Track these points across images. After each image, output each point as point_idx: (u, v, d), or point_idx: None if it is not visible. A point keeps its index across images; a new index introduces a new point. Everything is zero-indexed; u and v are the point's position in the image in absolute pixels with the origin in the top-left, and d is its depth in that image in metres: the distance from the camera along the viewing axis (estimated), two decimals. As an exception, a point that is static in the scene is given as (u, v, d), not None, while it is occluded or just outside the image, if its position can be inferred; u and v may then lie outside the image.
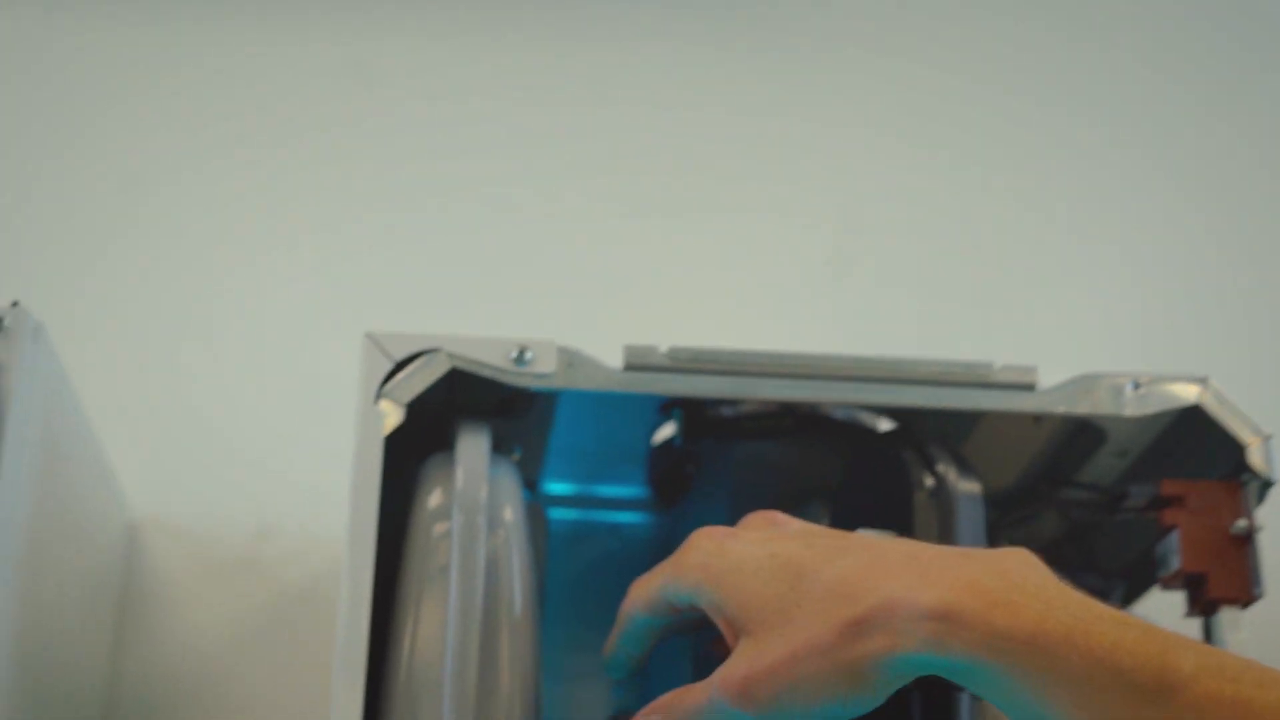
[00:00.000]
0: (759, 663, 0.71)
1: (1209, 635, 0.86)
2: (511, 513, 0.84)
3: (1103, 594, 0.92)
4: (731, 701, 0.72)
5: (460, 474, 0.82)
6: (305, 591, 1.08)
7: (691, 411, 0.92)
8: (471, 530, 0.81)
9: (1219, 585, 0.85)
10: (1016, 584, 0.68)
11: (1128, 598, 0.98)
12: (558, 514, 1.05)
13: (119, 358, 1.15)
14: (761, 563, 0.73)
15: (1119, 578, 0.95)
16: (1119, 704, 0.65)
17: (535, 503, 0.93)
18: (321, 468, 1.06)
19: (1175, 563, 0.86)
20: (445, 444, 0.85)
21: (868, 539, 0.74)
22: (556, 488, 1.05)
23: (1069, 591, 0.69)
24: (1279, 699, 0.64)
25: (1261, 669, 0.66)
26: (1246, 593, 0.85)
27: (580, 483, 1.05)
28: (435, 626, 0.80)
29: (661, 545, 1.02)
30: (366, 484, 0.80)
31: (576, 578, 1.06)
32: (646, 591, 0.80)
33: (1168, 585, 0.88)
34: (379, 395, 0.82)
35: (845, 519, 0.86)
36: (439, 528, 0.82)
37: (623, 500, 1.06)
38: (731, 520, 0.93)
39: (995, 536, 0.92)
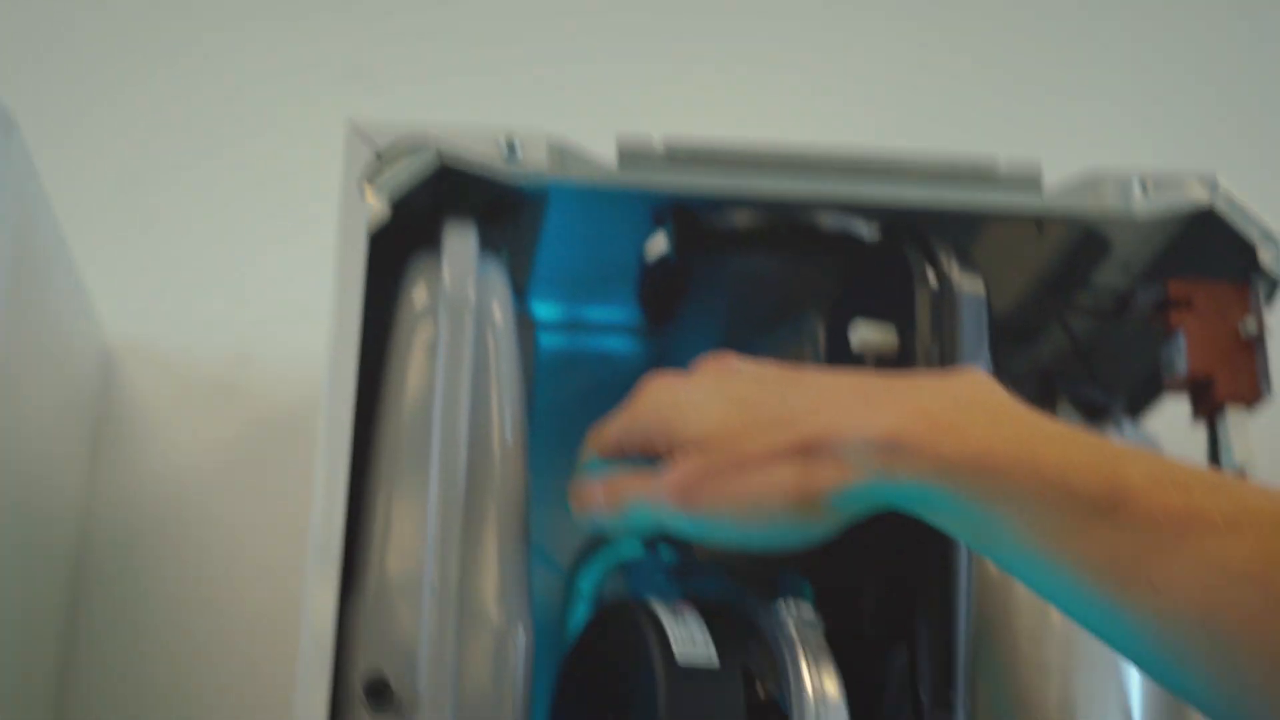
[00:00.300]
0: (705, 471, 0.71)
1: (1215, 439, 0.84)
2: (501, 313, 0.81)
3: (1106, 409, 0.90)
4: (674, 502, 0.72)
5: (447, 271, 0.79)
6: (286, 417, 1.06)
7: (684, 221, 0.89)
8: (459, 330, 0.78)
9: (1226, 386, 0.83)
10: (965, 408, 0.68)
11: (1132, 410, 0.96)
12: (546, 340, 1.02)
13: (93, 169, 1.12)
14: (713, 400, 0.74)
15: (1122, 392, 0.93)
16: (1070, 521, 0.64)
17: (524, 311, 0.90)
18: (305, 290, 1.03)
19: (1182, 365, 0.84)
20: (432, 244, 0.82)
21: (820, 375, 0.74)
22: (544, 311, 1.02)
23: (1021, 411, 0.69)
24: (1230, 505, 0.63)
25: (1215, 477, 0.65)
26: (1255, 394, 0.83)
27: (569, 304, 1.03)
28: (420, 429, 0.78)
29: (653, 367, 1.00)
30: (350, 280, 0.77)
31: (565, 406, 1.03)
32: (602, 438, 0.80)
33: (1173, 389, 0.86)
34: (363, 184, 0.79)
35: (841, 329, 0.83)
36: (424, 329, 0.80)
37: (612, 325, 1.03)
38: (725, 342, 0.91)
39: (998, 352, 0.90)
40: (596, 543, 0.92)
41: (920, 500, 0.68)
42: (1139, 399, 0.97)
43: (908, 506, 0.69)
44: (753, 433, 0.71)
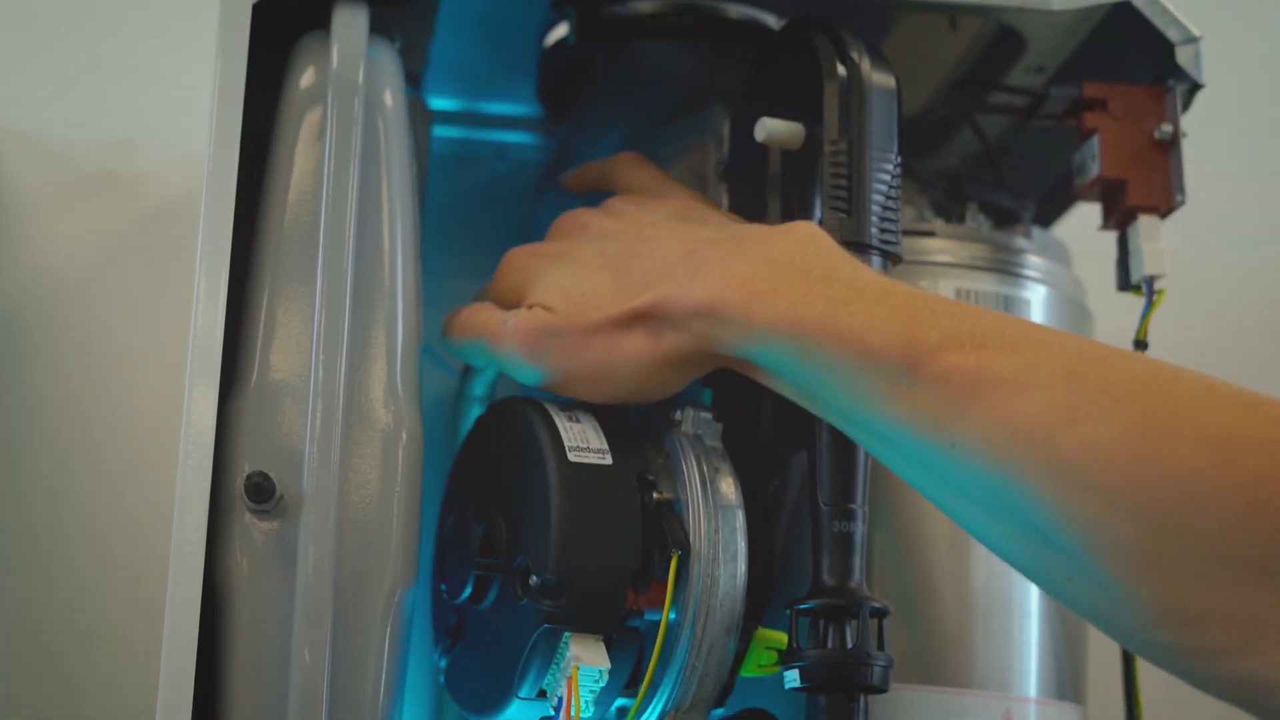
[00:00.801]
0: (551, 326, 0.74)
1: (1124, 248, 0.82)
2: (392, 97, 0.77)
3: (1015, 214, 0.88)
4: (519, 347, 0.75)
5: (336, 52, 0.75)
6: (172, 206, 1.02)
7: (586, 8, 0.86)
8: (347, 114, 0.74)
9: (1138, 192, 0.81)
10: (783, 270, 0.69)
11: (1042, 219, 0.94)
12: (442, 132, 0.99)
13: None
14: (561, 271, 0.76)
15: (1033, 198, 0.91)
16: (870, 383, 0.66)
17: (418, 99, 0.86)
18: (191, 75, 0.98)
19: (1094, 169, 0.82)
20: (322, 28, 0.78)
21: (664, 238, 0.75)
22: (440, 103, 0.98)
23: (840, 270, 0.69)
24: (1022, 361, 0.63)
25: (1018, 330, 0.66)
26: (1168, 200, 0.81)
27: (465, 99, 0.99)
28: (306, 220, 0.74)
29: (552, 164, 0.97)
30: (232, 60, 0.73)
31: (462, 202, 1.00)
32: (467, 319, 0.80)
33: (1084, 195, 0.84)
34: (244, -46, 0.74)
35: (747, 123, 0.80)
36: (312, 113, 0.76)
37: (510, 119, 1.00)
38: (626, 137, 0.89)
39: (908, 150, 0.87)
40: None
41: (743, 364, 0.71)
42: (1049, 207, 0.95)
43: (737, 369, 0.72)
44: (595, 302, 0.74)
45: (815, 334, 0.67)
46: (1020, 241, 0.86)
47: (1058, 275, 0.86)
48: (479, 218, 1.00)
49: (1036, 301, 0.84)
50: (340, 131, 0.74)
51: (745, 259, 0.70)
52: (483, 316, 0.78)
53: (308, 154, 0.75)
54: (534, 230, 0.96)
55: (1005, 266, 0.84)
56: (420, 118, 0.85)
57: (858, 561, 0.73)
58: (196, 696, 0.67)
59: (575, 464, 0.73)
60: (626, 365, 0.73)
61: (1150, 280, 0.81)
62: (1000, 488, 0.64)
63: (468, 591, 0.75)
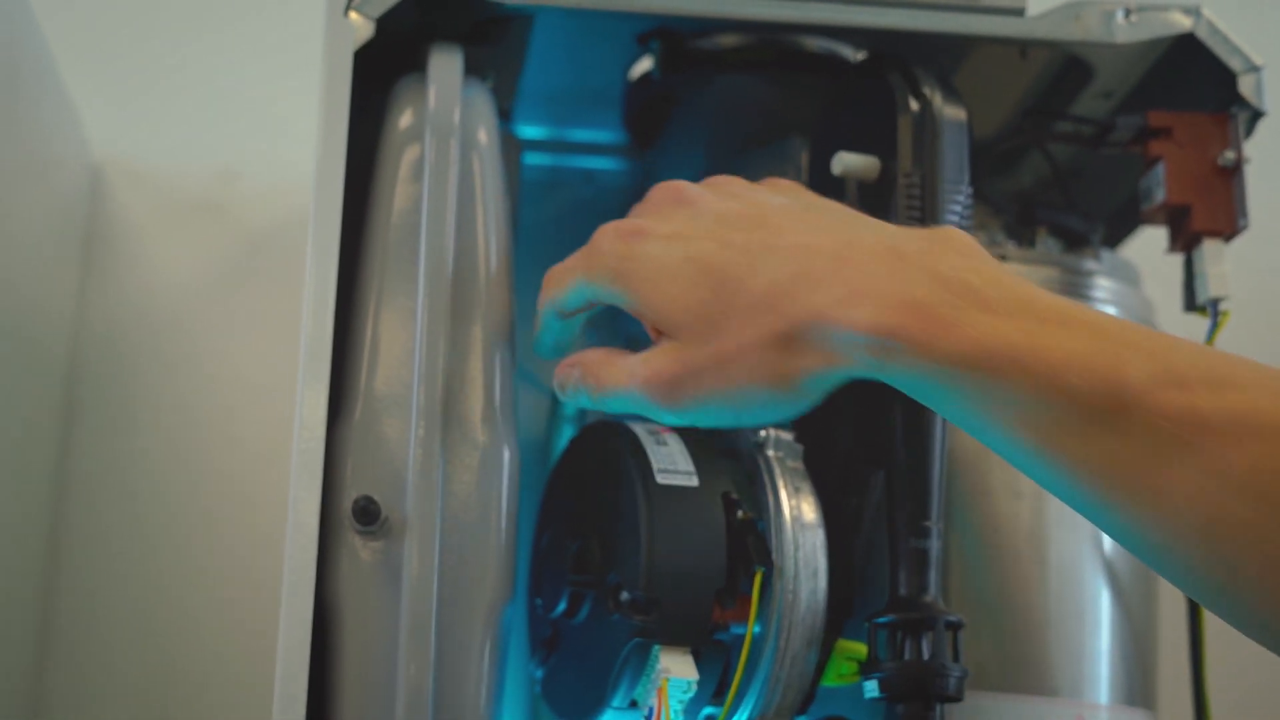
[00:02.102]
0: (684, 366, 0.69)
1: (1190, 271, 0.85)
2: (486, 135, 0.82)
3: (1085, 237, 0.91)
4: (652, 397, 0.71)
5: (433, 93, 0.79)
6: (271, 235, 1.06)
7: (669, 42, 0.89)
8: (444, 153, 0.78)
9: (1203, 217, 0.84)
10: (957, 292, 0.64)
11: (1110, 241, 0.97)
12: (531, 159, 1.03)
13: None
14: (679, 268, 0.71)
15: (1100, 220, 0.94)
16: (1067, 423, 0.62)
17: (509, 132, 0.90)
18: (290, 107, 1.03)
19: (1160, 195, 0.85)
20: (417, 68, 0.82)
21: (794, 229, 0.70)
22: (530, 131, 1.02)
23: (1013, 290, 0.64)
24: (1232, 409, 0.60)
25: (1213, 362, 0.62)
26: (1231, 224, 0.84)
27: (554, 126, 1.03)
28: (407, 252, 0.78)
29: (637, 191, 1.00)
30: (336, 102, 0.78)
31: (549, 225, 1.04)
32: (559, 288, 0.78)
33: (1151, 219, 0.87)
34: (348, 6, 0.79)
35: (824, 153, 0.84)
36: (410, 152, 0.80)
37: (597, 145, 1.04)
38: (709, 164, 0.92)
39: (979, 180, 0.90)
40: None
41: (911, 388, 0.66)
42: (1117, 229, 0.98)
43: (899, 387, 0.67)
44: (731, 319, 0.68)
45: (1006, 369, 0.62)
46: (1090, 264, 0.89)
47: (1127, 297, 0.89)
48: (568, 240, 1.02)
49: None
50: (437, 169, 0.78)
51: (913, 277, 0.65)
52: (605, 370, 0.74)
53: (407, 189, 0.79)
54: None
55: (1076, 289, 0.87)
56: (512, 150, 0.89)
57: (933, 576, 0.77)
58: (308, 712, 0.71)
59: (663, 485, 0.77)
60: (763, 389, 0.68)
61: (1215, 302, 0.84)
62: (1202, 539, 0.60)
63: (562, 606, 0.79)
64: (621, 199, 1.03)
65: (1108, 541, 0.85)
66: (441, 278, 0.77)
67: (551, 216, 1.04)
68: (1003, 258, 0.87)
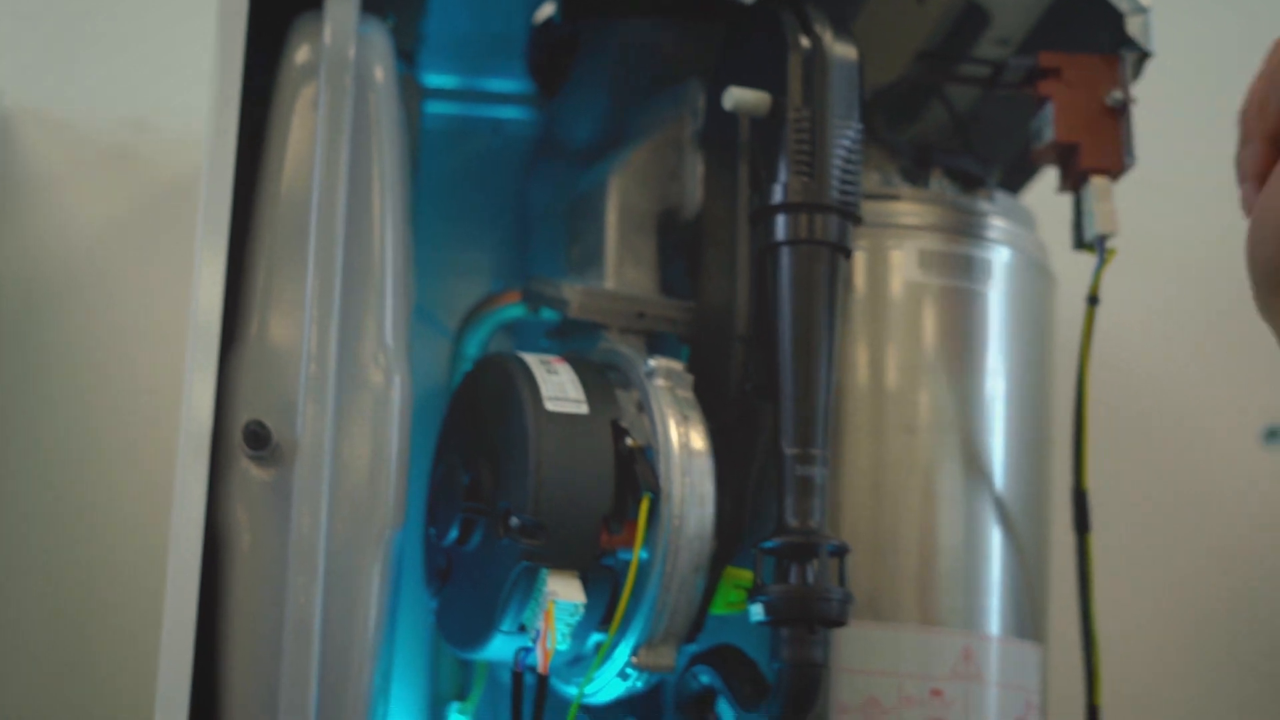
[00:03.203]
0: None
1: (1079, 207, 0.87)
2: (383, 73, 0.82)
3: (980, 179, 0.92)
4: None
5: (328, 29, 0.80)
6: (182, 183, 1.07)
7: (570, -13, 0.91)
8: (339, 89, 0.79)
9: (1090, 155, 0.86)
10: None
11: (1012, 185, 0.99)
12: (440, 108, 1.03)
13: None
14: None
15: (998, 164, 0.95)
16: None
17: (410, 75, 0.91)
18: (200, 54, 1.03)
19: (1049, 134, 0.86)
20: (317, 8, 0.82)
21: None
22: (437, 80, 1.03)
23: None
24: None
25: None
26: (1118, 163, 0.86)
27: (462, 75, 1.04)
28: (300, 190, 0.79)
29: (542, 138, 1.02)
30: (230, 38, 0.78)
31: (458, 174, 1.05)
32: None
33: (1041, 159, 0.88)
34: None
35: (721, 93, 0.84)
36: (306, 88, 0.80)
37: (506, 95, 1.04)
38: (612, 109, 0.93)
39: (877, 124, 0.92)
40: (482, 307, 0.94)
41: None
42: (1019, 175, 1.00)
43: None
44: None
45: None
46: (983, 205, 0.90)
47: (1020, 237, 0.90)
48: (476, 190, 1.04)
49: (998, 263, 0.88)
50: (332, 106, 0.78)
51: None
52: None
53: (302, 128, 0.80)
54: (527, 203, 1.00)
55: (967, 229, 0.88)
56: (413, 93, 0.90)
57: (819, 503, 0.78)
58: (199, 635, 0.72)
59: (552, 413, 0.78)
60: None
61: (1102, 239, 0.85)
62: None
63: (454, 534, 0.80)
64: (528, 149, 1.04)
65: (999, 477, 0.86)
66: (334, 216, 0.77)
67: (460, 166, 1.05)
68: (896, 198, 0.88)
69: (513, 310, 0.93)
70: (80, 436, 1.04)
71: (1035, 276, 0.90)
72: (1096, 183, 0.85)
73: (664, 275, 0.89)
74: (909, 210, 0.88)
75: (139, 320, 1.05)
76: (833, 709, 0.83)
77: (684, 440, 0.79)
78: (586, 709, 0.86)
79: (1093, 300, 0.86)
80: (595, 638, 0.79)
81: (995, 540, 0.86)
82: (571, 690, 0.82)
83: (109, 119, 1.08)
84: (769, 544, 0.77)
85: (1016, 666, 0.86)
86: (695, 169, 0.88)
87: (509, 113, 1.05)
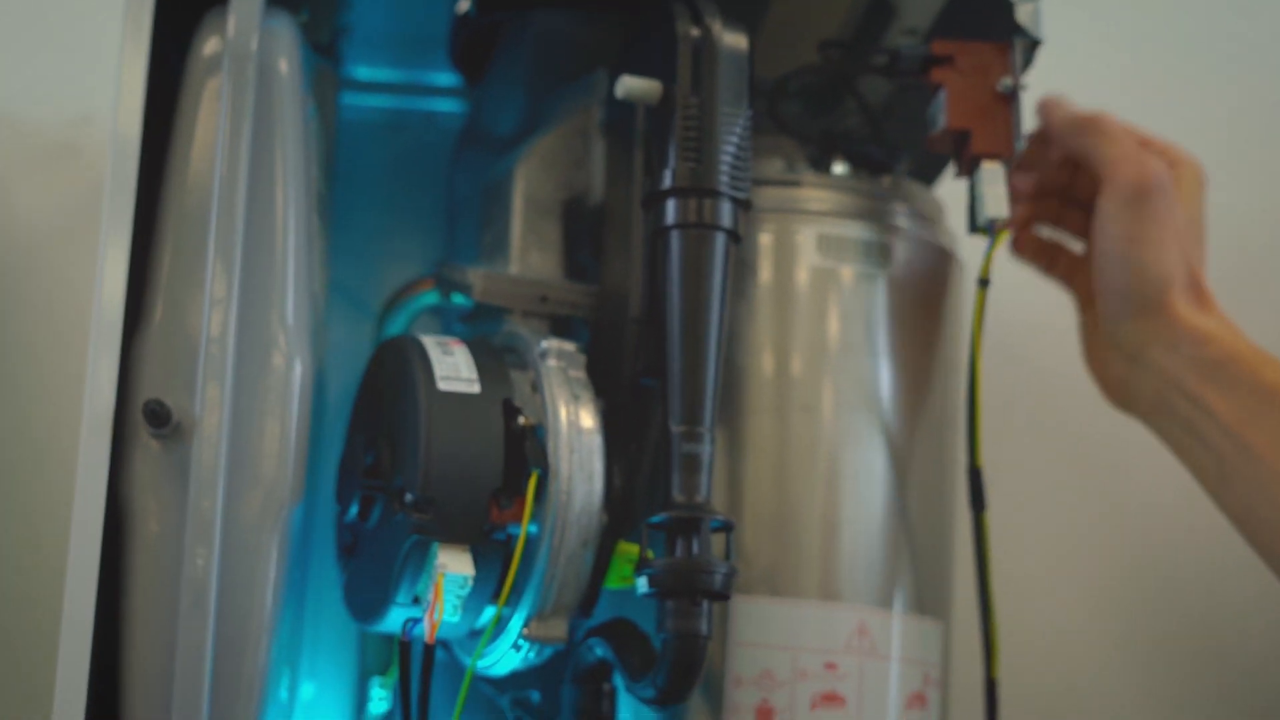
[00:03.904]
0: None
1: (972, 192, 0.88)
2: (287, 65, 0.84)
3: (888, 167, 0.94)
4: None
5: (232, 21, 0.82)
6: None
7: (481, -22, 0.93)
8: (241, 80, 0.81)
9: (981, 141, 0.88)
10: None
11: (926, 176, 1.00)
12: (372, 101, 1.06)
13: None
14: None
15: (905, 153, 0.96)
16: None
17: (325, 64, 0.93)
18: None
19: (942, 120, 0.88)
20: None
21: None
22: (369, 74, 1.06)
23: None
24: None
25: None
26: (1009, 148, 0.88)
27: (396, 69, 1.06)
28: (204, 177, 0.81)
29: (465, 128, 1.04)
30: (137, 29, 0.81)
31: (395, 165, 1.08)
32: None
33: (936, 146, 0.90)
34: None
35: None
36: (212, 80, 0.83)
37: (438, 88, 1.07)
38: (527, 99, 0.96)
39: (787, 115, 0.94)
40: (401, 294, 0.97)
41: None
42: (934, 165, 1.02)
43: None
44: None
45: None
46: (884, 191, 0.92)
47: (921, 223, 0.92)
48: (410, 181, 1.07)
49: (898, 247, 0.90)
50: (235, 96, 0.81)
51: None
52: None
53: (207, 118, 0.82)
54: (452, 191, 1.03)
55: (867, 214, 0.90)
56: (329, 85, 0.93)
57: (705, 480, 0.80)
58: (101, 615, 0.75)
59: (444, 392, 0.80)
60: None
61: (992, 222, 0.87)
62: None
63: (354, 510, 0.83)
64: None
65: (900, 457, 0.89)
66: (234, 200, 0.79)
67: (395, 158, 1.07)
68: (797, 184, 0.90)
69: (429, 296, 0.95)
70: (27, 441, 1.07)
71: (937, 260, 0.92)
72: (987, 168, 0.87)
73: (571, 261, 0.91)
74: (810, 196, 0.90)
75: (84, 314, 1.07)
76: (728, 681, 0.85)
77: (573, 418, 0.81)
78: (491, 681, 0.89)
79: (983, 282, 0.88)
80: (490, 611, 0.82)
81: (894, 518, 0.88)
82: (475, 664, 0.84)
83: (52, 115, 1.11)
84: (655, 519, 0.79)
85: (914, 641, 0.88)
86: (600, 157, 0.91)
87: (442, 105, 1.08)
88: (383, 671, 0.96)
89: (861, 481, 0.88)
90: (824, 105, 1.01)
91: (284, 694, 0.83)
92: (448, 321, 0.98)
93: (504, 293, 0.88)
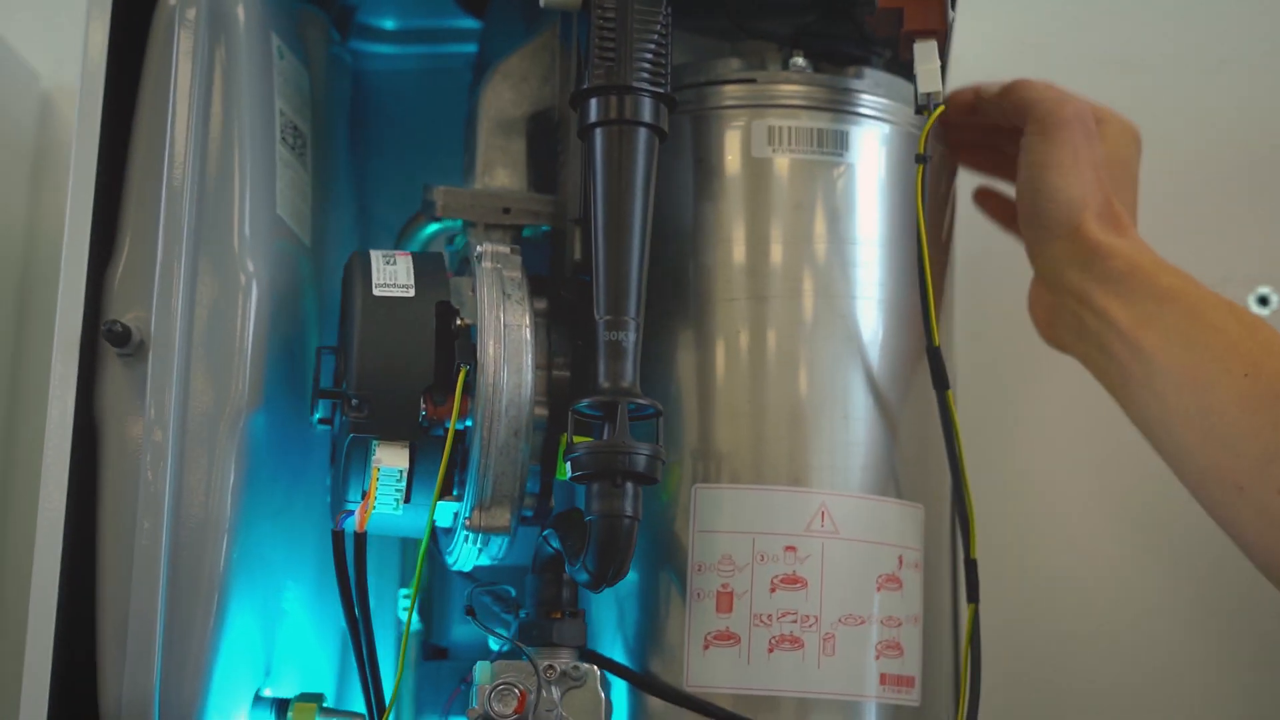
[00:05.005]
0: None
1: (911, 72, 0.88)
2: (244, 12, 0.89)
3: (863, 59, 0.94)
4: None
5: (188, -30, 0.88)
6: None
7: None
8: (194, 26, 0.86)
9: (913, 18, 0.88)
10: None
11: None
12: (399, 49, 1.11)
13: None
14: None
15: (882, 46, 0.96)
16: None
17: (307, 8, 0.98)
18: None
19: (875, 2, 0.89)
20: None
21: None
22: (392, 23, 1.10)
23: None
24: None
25: None
26: (940, 22, 0.87)
27: (414, 18, 1.10)
28: (160, 118, 0.86)
29: (476, 64, 1.08)
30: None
31: (430, 110, 1.12)
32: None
33: (876, 28, 0.90)
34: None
35: None
36: (172, 30, 0.88)
37: (459, 31, 1.11)
38: (524, 25, 0.99)
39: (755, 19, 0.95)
40: (407, 226, 1.01)
41: None
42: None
43: None
44: None
45: None
46: (851, 81, 0.92)
47: (889, 110, 0.92)
48: (441, 124, 1.11)
49: (861, 135, 0.91)
50: (185, 41, 0.87)
51: None
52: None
53: (164, 64, 0.88)
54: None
55: (827, 103, 0.91)
56: (314, 29, 0.99)
57: (630, 366, 0.82)
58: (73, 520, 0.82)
59: (378, 297, 0.84)
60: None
61: (929, 97, 0.87)
62: None
63: (317, 415, 0.87)
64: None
65: (869, 342, 0.89)
66: (183, 133, 0.85)
67: (427, 102, 1.12)
68: (752, 80, 0.92)
69: (433, 225, 0.99)
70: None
71: (905, 146, 0.92)
72: (920, 45, 0.87)
73: (541, 176, 0.94)
74: (765, 91, 0.91)
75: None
76: (690, 569, 0.87)
77: (501, 314, 0.84)
78: (471, 578, 0.92)
79: (921, 158, 0.88)
80: (443, 507, 0.85)
81: (861, 405, 0.89)
82: (450, 563, 0.89)
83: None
84: (579, 405, 0.81)
85: (883, 525, 0.88)
86: (559, 71, 0.94)
87: (466, 48, 1.12)
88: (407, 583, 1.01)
89: (827, 369, 0.89)
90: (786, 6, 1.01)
91: (259, 598, 0.88)
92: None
93: (464, 206, 0.92)
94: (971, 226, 1.07)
